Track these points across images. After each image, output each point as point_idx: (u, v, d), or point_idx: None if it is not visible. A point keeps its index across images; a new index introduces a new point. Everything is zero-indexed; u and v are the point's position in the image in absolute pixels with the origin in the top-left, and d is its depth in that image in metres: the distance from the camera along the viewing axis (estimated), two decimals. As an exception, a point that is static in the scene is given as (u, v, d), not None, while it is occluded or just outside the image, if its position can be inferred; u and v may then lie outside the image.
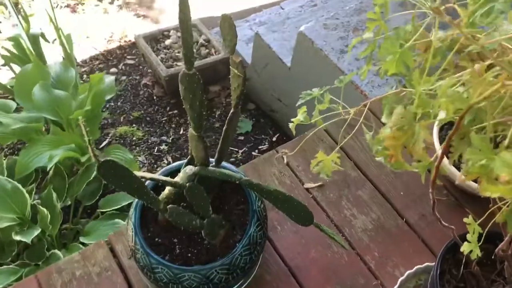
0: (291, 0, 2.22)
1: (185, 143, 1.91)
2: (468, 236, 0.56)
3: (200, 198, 0.69)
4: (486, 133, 0.48)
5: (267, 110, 2.00)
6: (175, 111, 2.02)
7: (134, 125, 1.97)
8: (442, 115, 0.52)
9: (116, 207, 1.41)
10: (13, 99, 1.59)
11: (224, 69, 2.08)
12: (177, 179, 0.70)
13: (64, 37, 1.77)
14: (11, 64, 1.82)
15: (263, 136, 1.94)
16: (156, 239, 0.77)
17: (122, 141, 1.89)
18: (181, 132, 1.95)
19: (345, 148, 1.04)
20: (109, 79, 1.62)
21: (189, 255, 0.76)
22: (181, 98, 0.59)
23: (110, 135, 1.90)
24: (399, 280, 0.84)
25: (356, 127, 0.70)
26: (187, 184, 0.67)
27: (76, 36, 2.31)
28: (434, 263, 0.85)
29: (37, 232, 1.25)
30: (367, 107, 0.68)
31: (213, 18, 2.40)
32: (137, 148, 1.87)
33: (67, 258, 0.84)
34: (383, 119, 0.64)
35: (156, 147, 1.88)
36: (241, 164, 1.82)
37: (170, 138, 1.92)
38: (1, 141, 1.41)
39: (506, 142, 0.46)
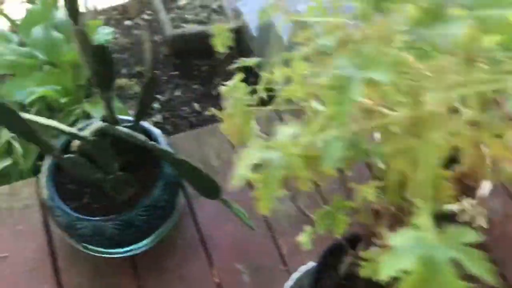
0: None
1: (179, 104, 1.94)
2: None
3: (104, 153, 0.72)
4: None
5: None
6: (177, 72, 2.05)
7: (133, 78, 2.01)
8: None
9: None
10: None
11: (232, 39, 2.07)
12: (85, 132, 0.73)
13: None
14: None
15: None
16: (69, 186, 0.80)
17: (119, 93, 1.94)
18: (176, 93, 1.97)
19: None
20: (106, 31, 1.65)
21: (96, 206, 0.79)
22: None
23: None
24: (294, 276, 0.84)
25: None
26: (90, 138, 0.70)
27: (99, -15, 2.36)
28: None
29: (6, 163, 1.32)
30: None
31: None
32: (131, 101, 1.92)
33: (-5, 189, 0.89)
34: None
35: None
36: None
37: (165, 98, 1.95)
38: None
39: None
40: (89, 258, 0.83)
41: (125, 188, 0.78)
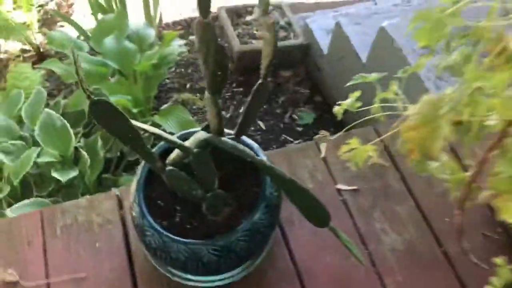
0: (388, -2, 2.08)
1: (243, 122, 1.86)
2: (494, 279, 0.45)
3: (206, 168, 0.63)
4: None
5: (334, 105, 1.89)
6: (241, 89, 1.98)
7: (198, 94, 1.95)
8: (493, 121, 0.41)
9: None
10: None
11: (299, 56, 1.99)
12: (187, 143, 0.65)
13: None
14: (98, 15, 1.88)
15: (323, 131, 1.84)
16: (159, 202, 0.72)
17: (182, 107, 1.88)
18: (241, 110, 1.90)
19: (393, 155, 0.93)
20: (180, 42, 1.61)
21: (188, 226, 0.70)
22: (196, 51, 0.53)
23: (172, 99, 1.91)
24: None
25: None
26: (194, 150, 0.62)
27: (165, 1, 2.35)
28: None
29: (74, 173, 1.27)
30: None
31: (303, 4, 2.32)
32: (195, 117, 1.85)
33: (73, 202, 0.82)
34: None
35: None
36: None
37: (228, 114, 1.88)
38: (64, 78, 1.45)
39: None
40: (173, 285, 0.74)
41: (222, 208, 0.68)
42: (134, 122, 0.56)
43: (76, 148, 1.33)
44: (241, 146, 0.65)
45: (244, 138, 0.73)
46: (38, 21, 2.14)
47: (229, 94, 1.96)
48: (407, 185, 0.90)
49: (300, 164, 0.91)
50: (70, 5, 2.29)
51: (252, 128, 1.86)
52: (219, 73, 0.57)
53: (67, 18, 1.95)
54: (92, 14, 1.87)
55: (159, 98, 1.92)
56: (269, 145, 1.80)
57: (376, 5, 2.00)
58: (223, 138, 0.64)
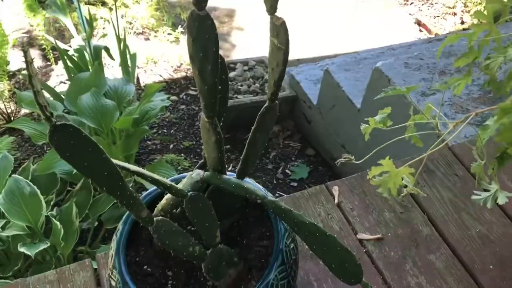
0: (371, 49, 2.05)
1: (232, 181, 1.73)
2: None
3: (204, 216, 0.50)
4: None
5: (328, 157, 1.78)
6: (227, 146, 1.86)
7: (182, 154, 1.83)
8: None
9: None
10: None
11: (286, 109, 1.91)
12: (179, 185, 0.51)
13: (129, 55, 1.71)
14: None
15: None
16: (145, 267, 0.57)
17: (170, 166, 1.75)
18: (229, 168, 1.77)
19: (417, 198, 0.81)
20: (163, 97, 1.50)
21: (184, 297, 0.55)
22: (189, 57, 0.41)
23: (155, 160, 1.77)
24: None
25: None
26: (189, 193, 0.48)
27: (143, 62, 2.29)
28: None
29: (44, 246, 1.09)
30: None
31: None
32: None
33: (39, 276, 0.66)
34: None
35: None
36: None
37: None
38: (34, 139, 1.31)
39: None
40: None
41: (226, 270, 0.54)
42: (114, 160, 0.42)
43: (47, 218, 1.17)
44: (247, 184, 0.51)
45: (248, 179, 0.60)
46: (11, 90, 2.03)
47: (215, 152, 1.84)
48: (437, 229, 0.76)
49: (311, 213, 0.77)
50: (47, 72, 2.20)
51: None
52: (219, 87, 0.45)
53: (34, 81, 1.85)
54: (68, 76, 1.77)
55: (140, 160, 1.79)
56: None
57: (359, 55, 1.96)
58: (224, 176, 0.51)
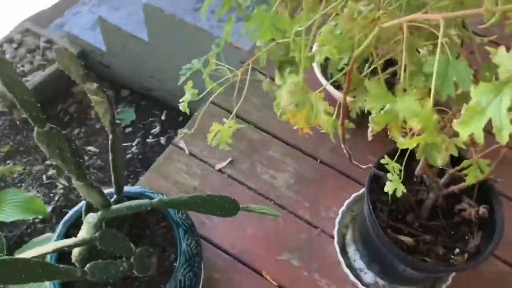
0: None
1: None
2: (390, 176, 0.56)
3: (117, 242, 0.62)
4: (380, 78, 0.47)
5: (144, 91, 1.88)
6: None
7: (8, 161, 1.74)
8: (317, 58, 0.51)
9: None
10: None
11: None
12: (83, 233, 0.62)
13: None
14: None
15: (150, 119, 1.84)
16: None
17: (2, 185, 1.67)
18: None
19: (240, 113, 1.00)
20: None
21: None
22: (48, 157, 0.50)
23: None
24: (336, 221, 0.86)
25: (246, 87, 0.66)
26: (97, 235, 0.60)
27: None
28: (361, 192, 0.87)
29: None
30: (250, 65, 0.63)
31: (43, 12, 2.13)
32: (24, 184, 1.67)
33: None
34: (277, 80, 0.61)
35: (44, 175, 1.69)
36: (139, 157, 1.72)
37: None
38: None
39: (401, 81, 0.44)
40: None
41: (149, 261, 0.68)
42: (29, 254, 0.51)
43: None
44: (134, 203, 0.64)
45: (127, 188, 0.73)
46: None
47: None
48: (265, 131, 0.99)
49: (174, 171, 0.92)
50: None
51: (87, 158, 1.76)
52: (78, 159, 0.54)
53: None
54: None
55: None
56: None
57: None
58: (113, 207, 0.63)
